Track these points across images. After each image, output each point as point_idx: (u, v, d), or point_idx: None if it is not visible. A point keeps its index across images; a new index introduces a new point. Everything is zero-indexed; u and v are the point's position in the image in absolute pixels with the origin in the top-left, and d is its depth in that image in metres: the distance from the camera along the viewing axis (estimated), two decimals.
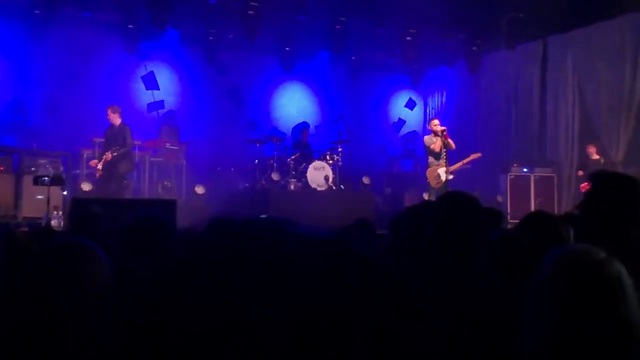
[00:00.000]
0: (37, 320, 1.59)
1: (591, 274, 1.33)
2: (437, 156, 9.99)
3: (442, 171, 9.90)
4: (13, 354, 1.56)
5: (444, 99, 15.43)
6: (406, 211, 2.63)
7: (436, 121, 10.25)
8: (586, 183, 11.04)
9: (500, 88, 13.66)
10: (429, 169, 10.07)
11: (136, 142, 11.52)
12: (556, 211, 10.80)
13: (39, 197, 8.49)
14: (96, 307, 1.65)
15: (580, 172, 11.29)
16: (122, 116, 10.33)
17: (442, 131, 9.95)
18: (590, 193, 2.42)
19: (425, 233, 2.10)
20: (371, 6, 11.54)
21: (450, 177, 9.96)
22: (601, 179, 2.44)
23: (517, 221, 3.43)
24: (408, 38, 12.50)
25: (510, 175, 12.07)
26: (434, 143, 9.98)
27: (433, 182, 9.97)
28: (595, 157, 11.34)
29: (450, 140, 10.01)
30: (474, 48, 12.84)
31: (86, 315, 1.63)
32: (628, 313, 1.30)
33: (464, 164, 10.31)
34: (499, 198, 11.96)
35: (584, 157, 11.61)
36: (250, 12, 11.10)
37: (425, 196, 10.51)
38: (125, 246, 2.40)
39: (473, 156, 10.36)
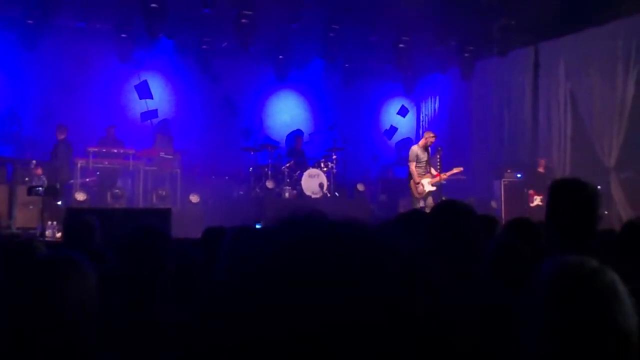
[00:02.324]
0: (23, 331, 1.59)
1: (586, 284, 1.34)
2: (421, 168, 10.22)
3: (425, 182, 10.09)
4: None
5: (437, 105, 15.48)
6: (396, 220, 2.64)
7: (433, 137, 10.44)
8: (533, 191, 11.48)
9: (492, 94, 13.72)
10: (412, 180, 10.27)
11: (130, 151, 11.55)
12: None
13: (31, 207, 8.49)
14: (82, 318, 1.66)
15: (532, 191, 11.73)
16: (67, 134, 10.62)
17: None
18: (549, 200, 2.51)
19: (419, 242, 2.11)
20: (364, 14, 11.58)
21: (433, 188, 10.13)
22: (558, 186, 2.55)
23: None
24: (401, 45, 12.55)
25: (504, 180, 12.12)
26: (422, 154, 10.24)
27: (415, 191, 10.17)
28: (541, 170, 11.87)
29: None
30: (467, 55, 12.91)
31: (71, 326, 1.64)
32: (624, 321, 1.31)
33: (446, 177, 10.40)
34: (493, 204, 12.00)
35: (533, 170, 12.05)
36: (243, 20, 11.13)
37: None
38: (124, 256, 2.41)
39: (455, 170, 10.53)
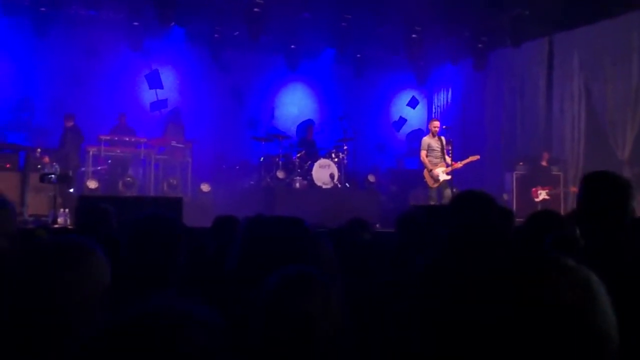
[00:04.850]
0: (30, 317, 1.55)
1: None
2: (435, 156, 10.21)
3: (440, 170, 10.08)
4: (3, 351, 1.54)
5: (449, 96, 15.39)
6: (416, 210, 2.63)
7: (436, 122, 10.47)
8: (537, 187, 11.50)
9: (505, 86, 13.62)
10: (426, 169, 10.26)
11: (142, 140, 11.58)
12: (562, 209, 10.78)
13: (51, 194, 8.52)
14: (93, 306, 1.61)
15: (537, 187, 11.80)
16: (74, 121, 10.70)
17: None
18: (581, 194, 2.50)
19: (440, 231, 2.09)
20: (376, 4, 11.51)
21: (448, 177, 10.11)
22: (590, 178, 2.54)
23: (521, 220, 3.45)
24: (413, 35, 12.47)
25: (516, 173, 12.06)
26: (435, 143, 10.25)
27: (430, 182, 10.17)
28: (544, 164, 11.93)
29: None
30: (480, 45, 12.81)
31: (82, 314, 1.58)
32: (599, 321, 1.29)
33: (462, 165, 10.36)
34: (505, 196, 11.95)
35: (536, 164, 12.08)
36: (255, 9, 11.10)
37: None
38: (135, 244, 2.39)
39: (471, 158, 10.47)
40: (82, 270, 1.60)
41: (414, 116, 15.23)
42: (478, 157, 10.59)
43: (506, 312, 1.18)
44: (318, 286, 1.56)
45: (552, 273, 1.36)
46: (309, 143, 12.04)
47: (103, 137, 11.16)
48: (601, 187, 2.42)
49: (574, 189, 11.48)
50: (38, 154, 10.01)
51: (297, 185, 11.01)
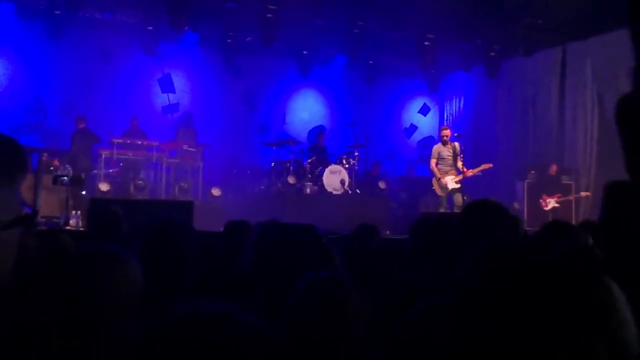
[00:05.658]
0: (68, 323, 1.56)
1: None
2: (445, 164, 10.18)
3: (449, 179, 10.05)
4: (39, 355, 1.55)
5: (461, 104, 15.37)
6: (428, 218, 2.63)
7: (447, 131, 10.44)
8: (544, 196, 11.50)
9: (518, 94, 13.58)
10: (435, 177, 10.25)
11: (154, 143, 11.64)
12: (573, 219, 10.72)
13: (62, 195, 8.57)
14: (128, 312, 1.63)
15: (544, 196, 11.80)
16: (85, 123, 11.01)
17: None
18: (605, 201, 2.45)
19: (451, 240, 2.09)
20: (389, 11, 11.53)
21: (457, 186, 10.06)
22: (616, 187, 2.48)
23: (532, 228, 3.43)
24: (426, 43, 12.46)
25: (528, 182, 12.01)
26: (446, 151, 10.20)
27: (438, 190, 10.14)
28: (552, 174, 11.96)
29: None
30: (492, 54, 12.79)
31: (118, 319, 1.61)
32: (621, 330, 1.29)
33: (473, 174, 10.31)
34: (516, 205, 11.89)
35: (545, 173, 12.14)
36: (268, 15, 11.14)
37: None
38: (146, 249, 2.41)
39: (484, 166, 10.42)
40: (120, 278, 1.63)
41: (425, 123, 15.22)
42: (491, 165, 10.54)
43: (533, 322, 1.19)
44: (351, 290, 1.58)
45: (578, 281, 1.36)
46: (319, 149, 12.05)
47: (115, 140, 11.22)
48: (627, 196, 2.36)
49: (584, 194, 11.43)
50: (45, 158, 10.07)
51: (308, 190, 11.01)
